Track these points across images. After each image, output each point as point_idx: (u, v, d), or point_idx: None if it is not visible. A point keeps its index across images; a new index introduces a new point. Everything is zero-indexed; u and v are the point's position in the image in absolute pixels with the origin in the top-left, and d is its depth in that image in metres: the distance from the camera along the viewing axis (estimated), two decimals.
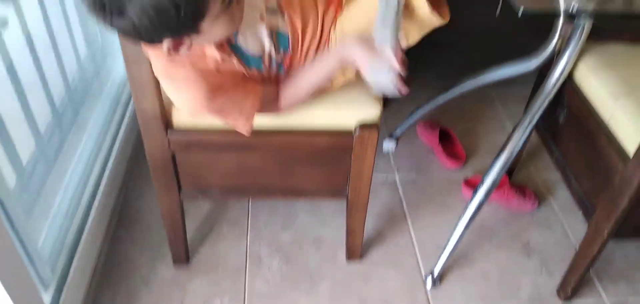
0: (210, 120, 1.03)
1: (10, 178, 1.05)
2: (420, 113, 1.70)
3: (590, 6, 1.01)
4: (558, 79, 1.18)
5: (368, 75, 0.94)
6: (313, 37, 1.06)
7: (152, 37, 0.79)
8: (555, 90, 1.19)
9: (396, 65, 0.90)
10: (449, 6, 0.99)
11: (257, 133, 1.07)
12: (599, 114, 1.19)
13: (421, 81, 1.96)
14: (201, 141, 1.11)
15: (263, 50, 1.00)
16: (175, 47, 0.83)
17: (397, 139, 1.78)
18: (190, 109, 1.01)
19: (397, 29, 0.91)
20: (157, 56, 0.92)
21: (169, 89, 0.98)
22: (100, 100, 1.57)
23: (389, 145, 1.77)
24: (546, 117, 1.33)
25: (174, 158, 1.14)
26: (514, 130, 1.24)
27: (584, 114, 1.22)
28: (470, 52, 2.18)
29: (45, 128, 1.25)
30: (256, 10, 0.99)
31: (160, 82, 0.98)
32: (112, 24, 0.75)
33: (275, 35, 1.01)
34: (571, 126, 1.30)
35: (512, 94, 2.00)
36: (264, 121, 1.07)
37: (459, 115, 1.92)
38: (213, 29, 0.83)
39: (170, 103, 1.05)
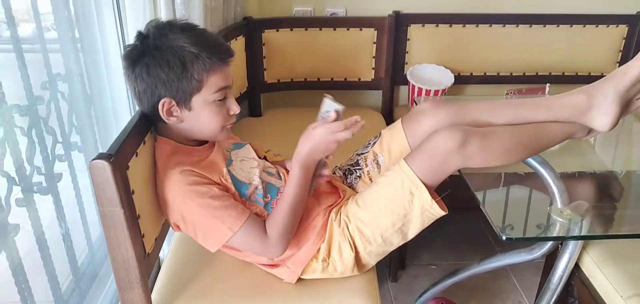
0: None
1: None
2: (431, 292, 1.65)
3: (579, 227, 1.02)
4: (562, 274, 1.15)
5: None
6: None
7: (154, 91, 0.95)
8: (561, 285, 1.16)
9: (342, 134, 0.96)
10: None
11: None
12: None
13: (432, 249, 1.92)
14: None
15: (250, 183, 1.07)
16: (168, 111, 0.96)
17: None
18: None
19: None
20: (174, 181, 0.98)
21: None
22: (109, 281, 1.58)
23: None
24: None
25: None
26: None
27: None
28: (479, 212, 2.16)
29: None
30: (254, 162, 1.12)
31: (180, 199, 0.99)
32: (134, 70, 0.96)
33: (266, 184, 1.10)
34: None
35: (527, 264, 1.94)
36: None
37: (473, 291, 1.85)
38: (201, 114, 0.98)
39: None
